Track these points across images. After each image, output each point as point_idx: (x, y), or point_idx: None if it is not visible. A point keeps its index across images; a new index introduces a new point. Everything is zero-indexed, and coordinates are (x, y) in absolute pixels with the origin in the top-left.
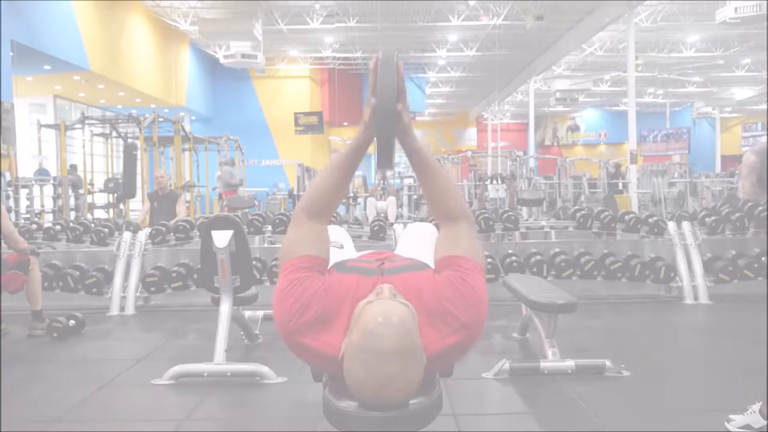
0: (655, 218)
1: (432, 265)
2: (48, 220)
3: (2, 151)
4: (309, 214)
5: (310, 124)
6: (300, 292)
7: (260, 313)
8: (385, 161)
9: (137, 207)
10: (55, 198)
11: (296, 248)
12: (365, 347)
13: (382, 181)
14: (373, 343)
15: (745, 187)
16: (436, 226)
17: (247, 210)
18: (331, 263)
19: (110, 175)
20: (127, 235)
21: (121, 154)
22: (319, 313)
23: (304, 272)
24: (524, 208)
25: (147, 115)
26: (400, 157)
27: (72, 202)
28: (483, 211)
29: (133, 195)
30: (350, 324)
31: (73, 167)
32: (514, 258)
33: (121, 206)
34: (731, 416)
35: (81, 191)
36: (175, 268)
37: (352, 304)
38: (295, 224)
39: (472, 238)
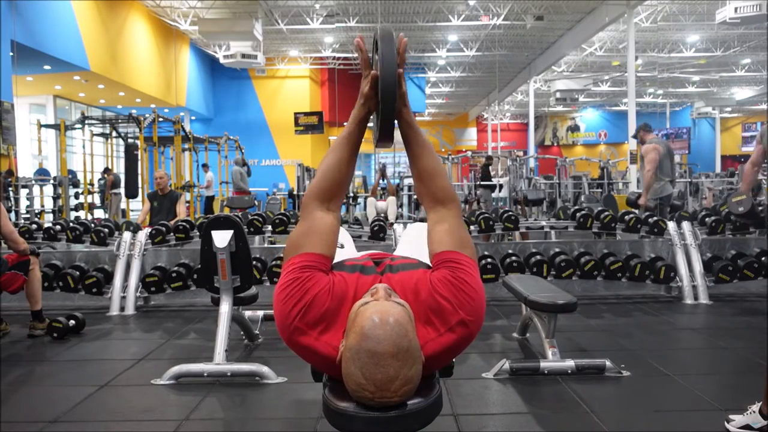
0: (655, 218)
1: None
2: (48, 220)
3: (2, 151)
4: (320, 198)
5: (310, 124)
6: (303, 291)
7: (260, 313)
8: (387, 131)
9: (137, 207)
10: (55, 198)
11: (302, 244)
12: (362, 350)
13: (381, 180)
14: (369, 345)
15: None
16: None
17: (247, 210)
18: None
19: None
20: (127, 235)
21: (122, 154)
22: (322, 314)
23: (307, 271)
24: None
25: (147, 115)
26: (399, 157)
27: (72, 200)
28: (483, 211)
29: (135, 195)
30: (347, 325)
31: (108, 170)
32: (514, 258)
33: (123, 206)
34: (731, 416)
35: (116, 191)
36: (175, 268)
37: (352, 304)
38: (304, 215)
39: (461, 225)
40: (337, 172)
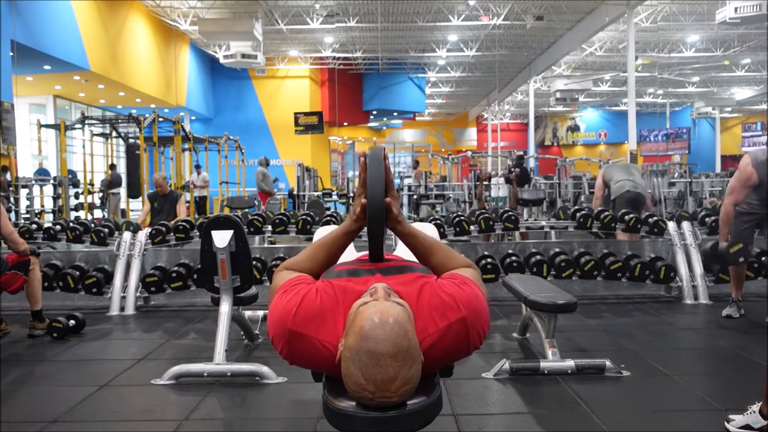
0: (655, 218)
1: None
2: (48, 220)
3: (2, 151)
4: (290, 272)
5: (310, 124)
6: (292, 294)
7: (260, 313)
8: (377, 252)
9: (137, 207)
10: (55, 198)
11: (280, 281)
12: (361, 350)
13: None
14: (369, 345)
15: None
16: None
17: (247, 210)
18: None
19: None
20: (127, 235)
21: (122, 154)
22: (314, 311)
23: (290, 286)
24: (524, 208)
25: (147, 115)
26: (399, 157)
27: (72, 200)
28: (483, 211)
29: (137, 195)
30: (346, 326)
31: (113, 166)
32: (514, 258)
33: (123, 206)
34: (731, 416)
35: (114, 191)
36: (175, 268)
37: (344, 306)
38: (275, 275)
39: (477, 275)
40: (311, 269)
